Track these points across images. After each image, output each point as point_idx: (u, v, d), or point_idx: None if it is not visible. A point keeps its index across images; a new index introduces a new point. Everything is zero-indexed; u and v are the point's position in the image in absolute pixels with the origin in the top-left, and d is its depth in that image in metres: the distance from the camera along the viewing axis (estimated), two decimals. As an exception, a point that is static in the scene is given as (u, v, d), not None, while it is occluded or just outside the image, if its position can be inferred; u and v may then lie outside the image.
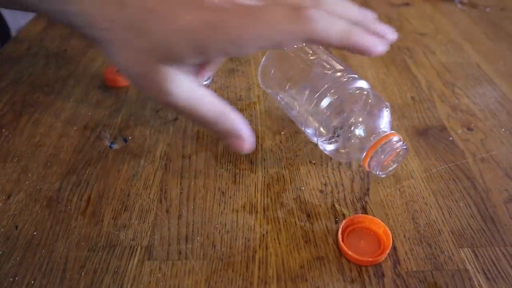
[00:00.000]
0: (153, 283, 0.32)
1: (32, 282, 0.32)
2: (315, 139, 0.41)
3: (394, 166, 0.39)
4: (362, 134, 0.38)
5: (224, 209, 0.38)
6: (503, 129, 0.47)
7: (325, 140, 0.40)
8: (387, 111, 0.39)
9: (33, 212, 0.38)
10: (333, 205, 0.39)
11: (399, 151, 0.38)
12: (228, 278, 0.33)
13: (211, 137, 0.46)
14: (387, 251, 0.34)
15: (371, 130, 0.38)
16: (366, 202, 0.39)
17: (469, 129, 0.47)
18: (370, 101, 0.39)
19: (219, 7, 0.28)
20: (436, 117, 0.49)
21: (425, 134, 0.47)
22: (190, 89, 0.30)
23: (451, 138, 0.46)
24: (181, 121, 0.48)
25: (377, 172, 0.38)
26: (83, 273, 0.33)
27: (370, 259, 0.33)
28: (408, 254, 0.34)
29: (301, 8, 0.27)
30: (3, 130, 0.47)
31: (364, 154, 0.38)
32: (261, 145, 0.45)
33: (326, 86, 0.39)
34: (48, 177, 0.41)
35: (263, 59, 0.46)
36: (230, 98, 0.52)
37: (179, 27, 0.27)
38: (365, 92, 0.40)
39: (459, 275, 0.33)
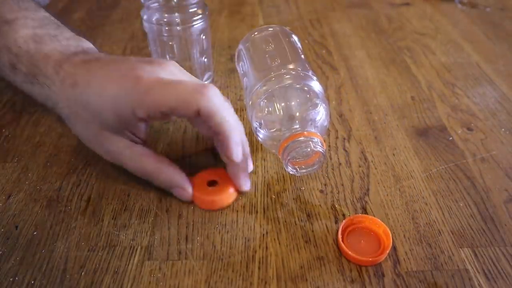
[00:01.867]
0: (153, 283, 0.32)
1: (32, 282, 0.32)
2: (248, 110, 0.42)
3: (307, 170, 0.39)
4: (282, 127, 0.39)
5: (224, 209, 0.38)
6: (503, 129, 0.47)
7: (256, 128, 0.41)
8: (317, 111, 0.40)
9: (33, 212, 0.38)
10: (333, 205, 0.39)
11: (312, 155, 0.38)
12: (228, 278, 0.33)
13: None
14: (387, 251, 0.34)
15: (289, 125, 0.39)
16: (366, 202, 0.39)
17: (469, 129, 0.47)
18: (308, 96, 0.40)
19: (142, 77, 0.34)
20: (436, 117, 0.49)
21: (425, 134, 0.47)
22: (124, 150, 0.36)
23: (451, 138, 0.46)
24: (181, 121, 0.48)
25: (288, 169, 0.38)
26: (83, 273, 0.33)
27: (370, 259, 0.33)
28: (408, 254, 0.34)
29: None
30: (3, 130, 0.47)
31: (278, 146, 0.38)
32: (261, 145, 0.45)
33: (267, 77, 0.40)
34: (48, 177, 0.41)
35: (239, 45, 0.47)
36: (230, 98, 0.52)
37: (107, 102, 0.34)
38: (300, 87, 0.40)
39: (459, 275, 0.33)
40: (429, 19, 0.72)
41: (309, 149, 0.37)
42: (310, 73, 0.41)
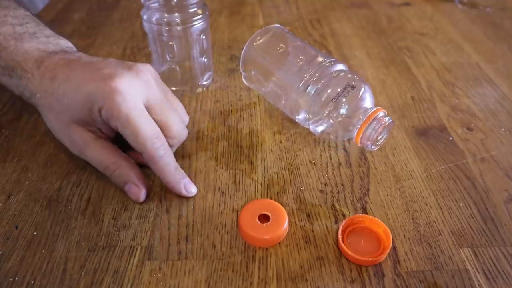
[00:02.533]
0: (153, 283, 0.32)
1: (32, 282, 0.32)
2: (306, 123, 0.44)
3: (384, 138, 0.41)
4: (350, 112, 0.40)
5: (224, 209, 0.38)
6: (503, 129, 0.47)
7: (315, 122, 0.43)
8: (369, 88, 0.42)
9: (33, 212, 0.38)
10: (333, 205, 0.39)
11: (387, 124, 0.40)
12: (228, 278, 0.33)
13: (211, 137, 0.46)
14: (387, 251, 0.34)
15: (357, 108, 0.41)
16: (366, 202, 0.39)
17: (469, 129, 0.47)
18: (352, 81, 0.41)
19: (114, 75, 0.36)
20: (436, 117, 0.49)
21: (425, 134, 0.47)
22: (88, 143, 0.38)
23: (451, 138, 0.46)
24: (181, 121, 0.48)
25: (370, 147, 0.41)
26: (83, 273, 0.33)
27: (370, 259, 0.33)
28: (408, 254, 0.34)
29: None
30: (3, 130, 0.47)
31: (356, 131, 0.40)
32: (261, 145, 0.45)
33: (311, 71, 0.42)
34: (48, 177, 0.41)
35: (242, 52, 0.48)
36: (230, 98, 0.52)
37: (80, 95, 0.36)
38: (346, 74, 0.42)
39: (459, 275, 0.33)
40: (429, 19, 0.72)
41: (387, 119, 0.40)
42: (335, 58, 0.44)
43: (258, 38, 0.47)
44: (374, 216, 0.37)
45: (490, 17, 0.72)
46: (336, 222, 0.37)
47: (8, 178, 0.41)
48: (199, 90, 0.53)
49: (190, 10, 0.48)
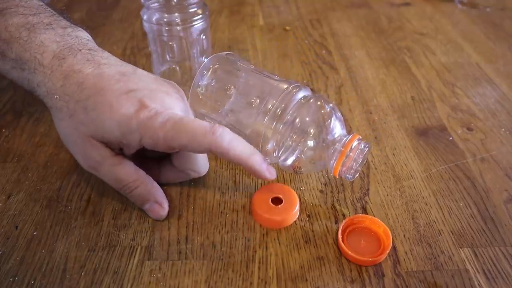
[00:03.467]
0: (153, 283, 0.32)
1: (32, 282, 0.32)
2: (274, 159, 0.38)
3: (361, 165, 0.37)
4: (323, 143, 0.36)
5: (224, 209, 0.38)
6: (503, 129, 0.47)
7: (284, 156, 0.38)
8: (339, 114, 0.38)
9: (33, 212, 0.38)
10: (333, 205, 0.39)
11: (365, 152, 0.36)
12: (228, 278, 0.33)
13: (211, 137, 0.46)
14: (387, 251, 0.34)
15: (332, 136, 0.37)
16: (366, 202, 0.39)
17: (469, 129, 0.47)
18: (322, 108, 0.37)
19: (154, 109, 0.33)
20: (436, 117, 0.49)
21: (425, 134, 0.47)
22: (105, 160, 0.35)
23: (451, 138, 0.46)
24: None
25: (349, 178, 0.37)
26: (83, 273, 0.33)
27: (370, 259, 0.33)
28: (408, 254, 0.34)
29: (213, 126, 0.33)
30: (3, 130, 0.47)
31: (334, 163, 0.36)
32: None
33: (275, 102, 0.37)
34: (48, 177, 0.41)
35: (194, 81, 0.41)
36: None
37: (115, 118, 0.33)
38: (314, 100, 0.38)
39: (459, 275, 0.33)
40: (429, 19, 0.72)
41: (364, 147, 0.36)
42: (298, 83, 0.39)
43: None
44: (374, 216, 0.37)
45: (490, 17, 0.72)
46: (336, 222, 0.37)
47: (8, 178, 0.41)
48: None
49: (190, 10, 0.48)
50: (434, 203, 0.39)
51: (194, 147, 0.33)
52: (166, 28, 0.48)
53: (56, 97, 0.35)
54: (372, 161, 0.43)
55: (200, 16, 0.49)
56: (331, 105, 0.38)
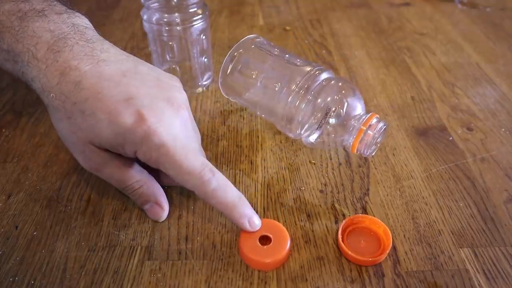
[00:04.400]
0: (153, 283, 0.32)
1: (32, 282, 0.32)
2: (298, 135, 0.42)
3: (379, 143, 0.40)
4: (344, 120, 0.39)
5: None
6: (503, 129, 0.47)
7: (308, 133, 0.41)
8: (359, 94, 0.41)
9: (33, 212, 0.38)
10: (333, 205, 0.39)
11: (382, 130, 0.39)
12: (228, 278, 0.33)
13: (211, 137, 0.46)
14: (387, 251, 0.34)
15: (352, 115, 0.40)
16: (366, 202, 0.39)
17: (469, 129, 0.47)
18: (343, 89, 0.40)
19: (155, 117, 0.32)
20: (436, 117, 0.49)
21: (425, 134, 0.47)
22: (108, 162, 0.35)
23: (451, 138, 0.46)
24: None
25: (366, 153, 0.40)
26: (83, 273, 0.33)
27: (370, 259, 0.33)
28: (408, 254, 0.34)
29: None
30: (3, 130, 0.47)
31: (352, 139, 0.39)
32: (261, 145, 0.45)
33: (298, 82, 0.41)
34: (48, 177, 0.41)
35: (223, 65, 0.45)
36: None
37: (112, 127, 0.32)
38: (336, 82, 0.41)
39: (459, 275, 0.33)
40: (429, 19, 0.72)
41: (382, 124, 0.39)
42: (322, 66, 0.43)
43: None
44: (374, 216, 0.37)
45: (490, 17, 0.72)
46: (336, 222, 0.37)
47: (8, 178, 0.41)
48: (199, 90, 0.53)
49: (190, 10, 0.48)
50: (434, 203, 0.39)
51: (180, 182, 0.33)
52: (166, 28, 0.48)
53: (52, 96, 0.33)
54: (372, 161, 0.43)
55: (200, 16, 0.49)
56: (351, 86, 0.41)
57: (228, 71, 0.45)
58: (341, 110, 0.39)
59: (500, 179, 0.41)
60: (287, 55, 0.45)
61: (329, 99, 0.40)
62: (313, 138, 0.41)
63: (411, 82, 0.55)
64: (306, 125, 0.41)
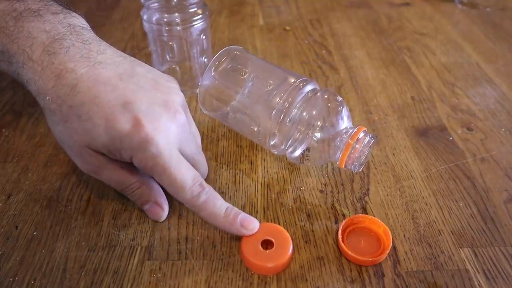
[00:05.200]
0: (153, 283, 0.32)
1: (32, 282, 0.32)
2: (282, 151, 0.40)
3: (367, 157, 0.38)
4: (330, 134, 0.37)
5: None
6: (503, 129, 0.47)
7: (291, 149, 0.39)
8: (345, 106, 0.39)
9: (33, 212, 0.38)
10: (333, 205, 0.39)
11: (371, 144, 0.37)
12: (228, 278, 0.33)
13: (211, 137, 0.46)
14: (387, 251, 0.34)
15: (338, 129, 0.38)
16: (366, 202, 0.39)
17: (469, 129, 0.47)
18: (328, 101, 0.38)
19: (153, 124, 0.32)
20: (436, 117, 0.49)
21: (425, 134, 0.47)
22: (106, 164, 0.34)
23: (451, 138, 0.46)
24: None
25: (355, 169, 0.38)
26: (83, 273, 0.33)
27: (370, 259, 0.33)
28: (408, 254, 0.34)
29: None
30: (3, 130, 0.47)
31: (340, 154, 0.37)
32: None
33: (283, 95, 0.38)
34: (48, 177, 0.41)
35: (201, 81, 0.43)
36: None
37: (109, 133, 0.32)
38: (321, 94, 0.39)
39: (459, 275, 0.33)
40: (429, 19, 0.72)
41: (370, 138, 0.37)
42: (306, 77, 0.41)
43: (217, 63, 0.42)
44: (374, 216, 0.37)
45: (490, 17, 0.72)
46: (336, 222, 0.37)
47: (8, 178, 0.41)
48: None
49: (190, 10, 0.48)
50: (434, 203, 0.39)
51: (170, 193, 0.34)
52: (166, 28, 0.48)
53: (49, 99, 0.32)
54: (372, 161, 0.43)
55: (200, 16, 0.49)
56: (337, 98, 0.39)
57: (209, 83, 0.42)
58: (327, 124, 0.37)
59: (500, 179, 0.41)
60: (272, 66, 0.42)
61: (314, 112, 0.37)
62: (297, 153, 0.39)
63: (411, 82, 0.55)
64: (290, 140, 0.39)
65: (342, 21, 0.71)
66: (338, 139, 0.37)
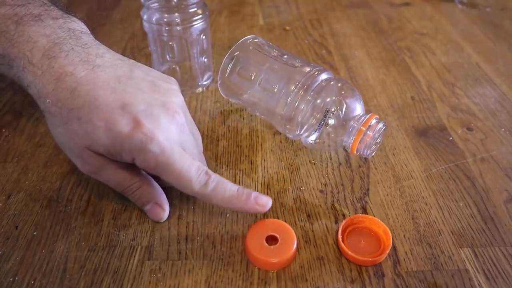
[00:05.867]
0: (153, 283, 0.32)
1: (32, 282, 0.32)
2: (297, 134, 0.42)
3: (379, 143, 0.41)
4: (343, 121, 0.40)
5: (224, 209, 0.38)
6: (503, 129, 0.47)
7: (307, 133, 0.41)
8: (358, 95, 0.41)
9: (33, 212, 0.38)
10: (333, 205, 0.39)
11: (382, 131, 0.40)
12: (228, 278, 0.33)
13: (210, 137, 0.46)
14: (387, 251, 0.34)
15: (351, 116, 0.40)
16: (366, 202, 0.39)
17: (469, 129, 0.47)
18: (342, 89, 0.41)
19: (151, 125, 0.32)
20: (436, 117, 0.49)
21: (425, 134, 0.47)
22: (106, 165, 0.34)
23: (451, 138, 0.46)
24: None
25: (366, 154, 0.40)
26: (83, 273, 0.33)
27: (370, 259, 0.33)
28: (408, 254, 0.34)
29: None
30: (3, 130, 0.47)
31: (352, 140, 0.40)
32: (261, 145, 0.45)
33: (297, 83, 0.41)
34: (48, 177, 0.41)
35: (221, 66, 0.45)
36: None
37: (109, 135, 0.32)
38: (335, 82, 0.41)
39: (459, 275, 0.33)
40: (429, 19, 0.72)
41: (382, 125, 0.40)
42: (321, 67, 0.43)
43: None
44: (374, 216, 0.37)
45: (490, 17, 0.72)
46: (336, 222, 0.37)
47: (8, 178, 0.41)
48: (199, 90, 0.53)
49: (190, 10, 0.48)
50: (434, 203, 0.39)
51: (178, 188, 0.34)
52: (166, 28, 0.48)
53: (49, 102, 0.33)
54: (372, 161, 0.43)
55: (200, 16, 0.49)
56: (351, 87, 0.41)
57: (227, 72, 0.45)
58: (341, 111, 0.40)
59: (500, 179, 0.41)
60: (285, 56, 0.45)
61: (328, 99, 0.40)
62: (312, 138, 0.41)
63: (411, 82, 0.55)
64: (306, 126, 0.41)
65: (342, 21, 0.71)
66: (351, 125, 0.40)
